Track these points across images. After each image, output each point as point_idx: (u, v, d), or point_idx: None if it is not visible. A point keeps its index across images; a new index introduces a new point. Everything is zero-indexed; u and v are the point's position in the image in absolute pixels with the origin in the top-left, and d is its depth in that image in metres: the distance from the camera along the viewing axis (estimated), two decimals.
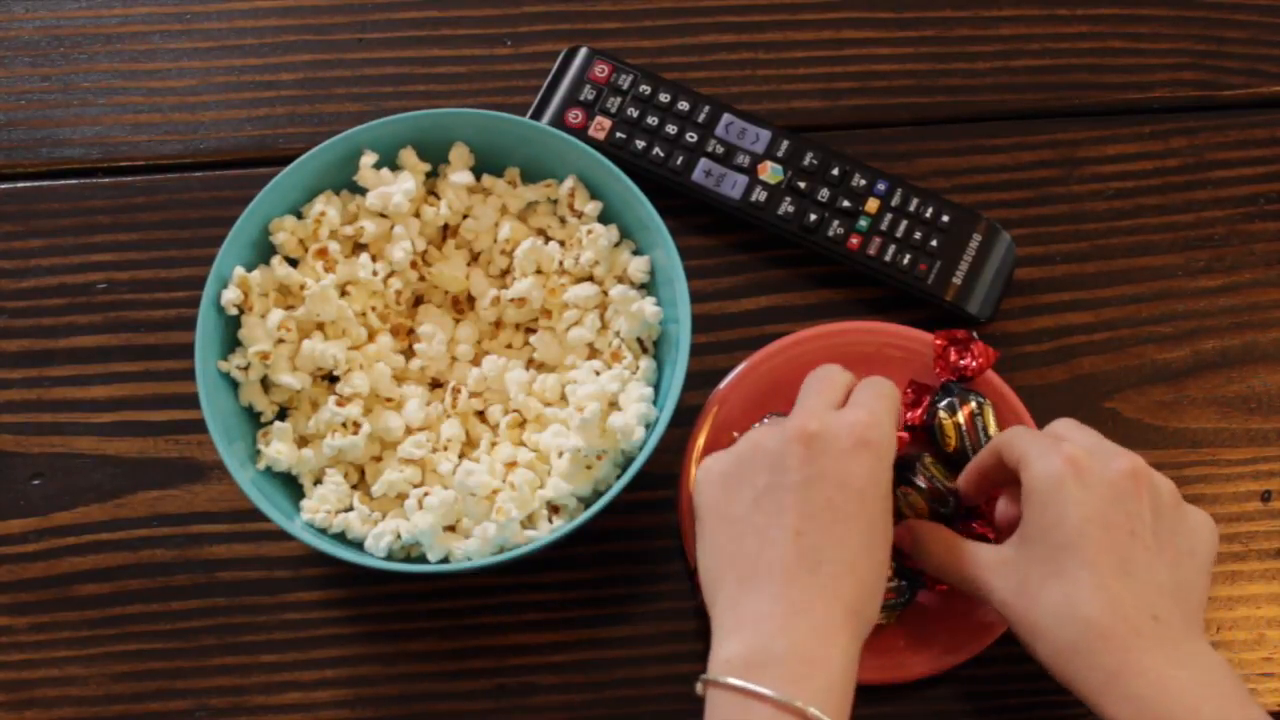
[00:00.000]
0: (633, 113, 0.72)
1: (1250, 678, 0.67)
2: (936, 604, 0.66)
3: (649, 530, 0.68)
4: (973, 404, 0.65)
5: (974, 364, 0.66)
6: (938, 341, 0.67)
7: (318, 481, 0.65)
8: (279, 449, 0.64)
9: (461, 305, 0.69)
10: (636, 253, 0.67)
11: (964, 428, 0.65)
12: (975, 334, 0.67)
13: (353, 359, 0.66)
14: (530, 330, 0.69)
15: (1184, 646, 0.56)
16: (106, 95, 0.75)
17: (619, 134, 0.72)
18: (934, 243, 0.71)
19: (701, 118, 0.72)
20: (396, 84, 0.75)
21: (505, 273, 0.68)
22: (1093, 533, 0.56)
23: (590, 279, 0.68)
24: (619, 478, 0.63)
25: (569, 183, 0.67)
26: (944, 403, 0.65)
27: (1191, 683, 0.54)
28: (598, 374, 0.65)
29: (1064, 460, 0.57)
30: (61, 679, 0.67)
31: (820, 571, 0.55)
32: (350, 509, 0.64)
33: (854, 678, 0.56)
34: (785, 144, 0.72)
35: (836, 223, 0.71)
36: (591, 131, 0.72)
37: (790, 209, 0.71)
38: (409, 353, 0.68)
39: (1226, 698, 0.55)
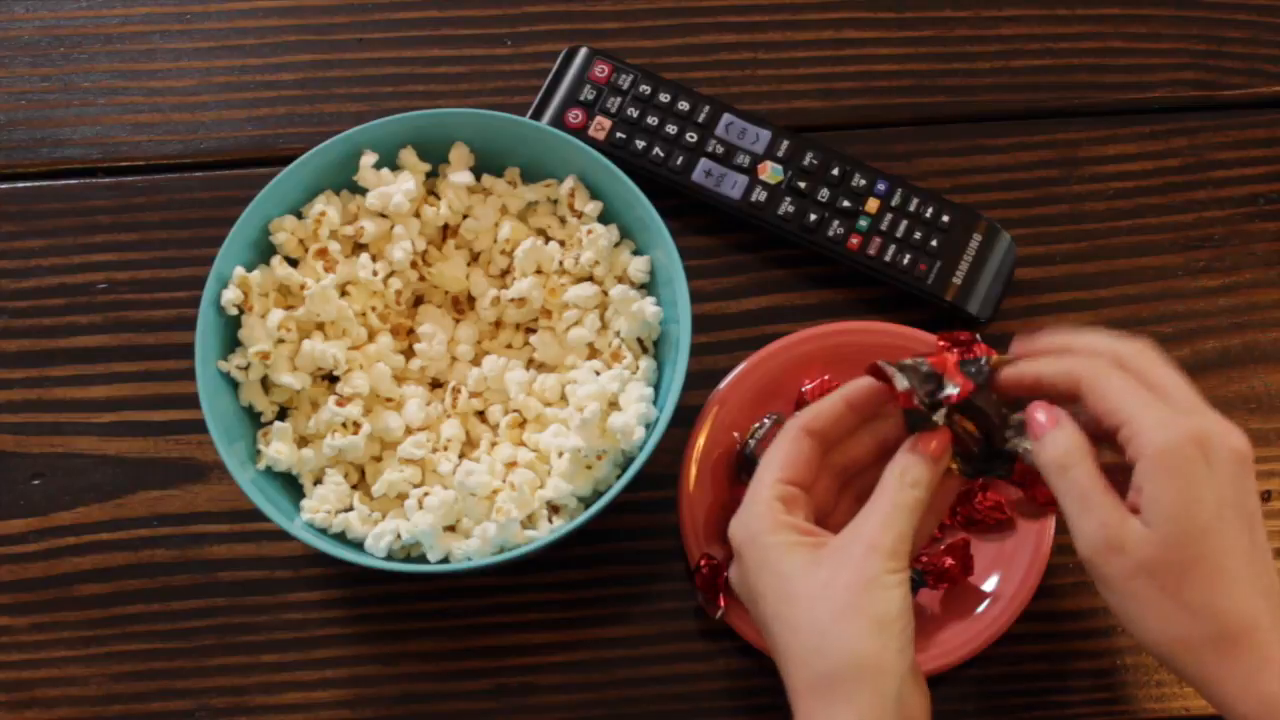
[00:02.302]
0: (633, 113, 0.72)
1: None
2: (936, 604, 0.66)
3: (649, 530, 0.68)
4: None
5: None
6: (940, 343, 0.67)
7: (318, 481, 0.65)
8: (279, 449, 0.64)
9: (461, 305, 0.69)
10: (636, 253, 0.67)
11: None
12: (977, 335, 0.67)
13: (353, 359, 0.66)
14: (530, 330, 0.69)
15: None
16: (106, 95, 0.75)
17: (619, 134, 0.72)
18: (934, 243, 0.71)
19: (701, 118, 0.72)
20: (396, 84, 0.75)
21: (505, 273, 0.68)
22: (1229, 518, 0.52)
23: (590, 279, 0.68)
24: (619, 478, 0.63)
25: (569, 183, 0.67)
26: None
27: None
28: (598, 374, 0.65)
29: (1189, 437, 0.52)
30: (61, 679, 0.67)
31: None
32: (350, 509, 0.64)
33: None
34: (785, 144, 0.72)
35: (836, 223, 0.71)
36: (591, 131, 0.72)
37: (790, 209, 0.71)
38: (409, 353, 0.68)
39: None
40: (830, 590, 0.54)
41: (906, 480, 0.56)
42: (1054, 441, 0.55)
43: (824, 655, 0.54)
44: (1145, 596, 0.53)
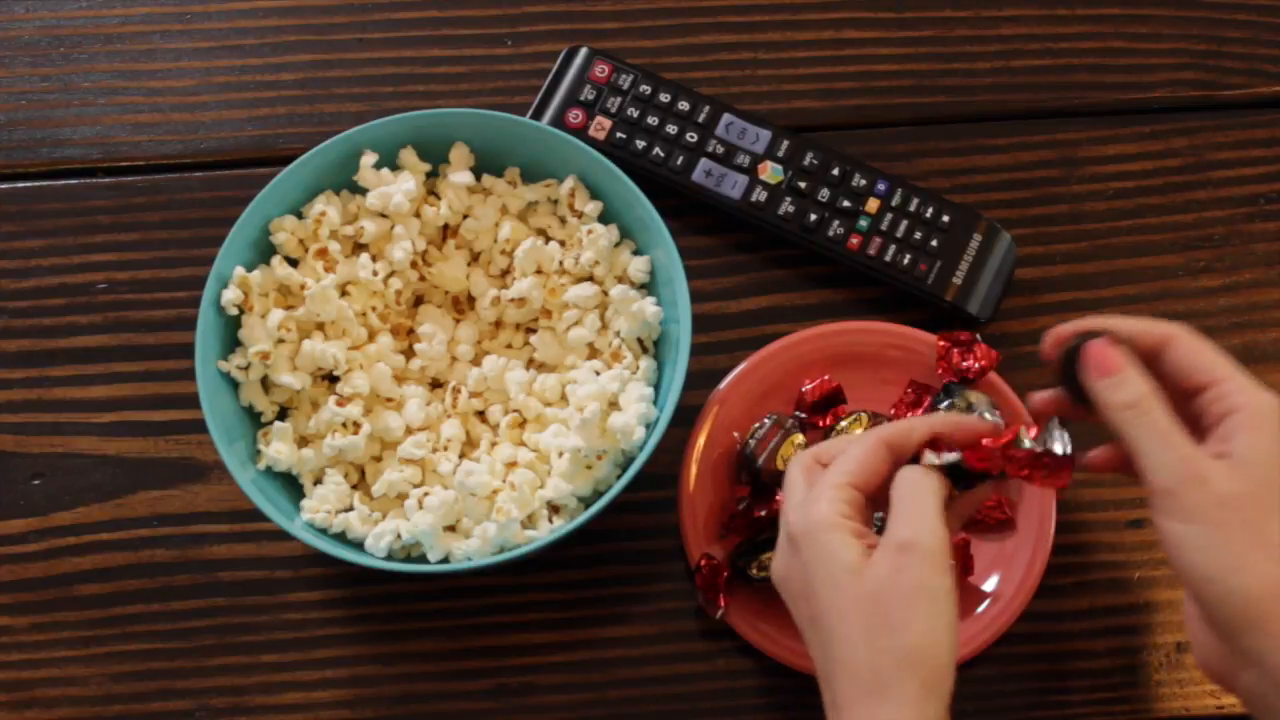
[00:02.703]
0: (633, 113, 0.72)
1: None
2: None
3: (649, 530, 0.68)
4: (967, 402, 0.65)
5: (976, 365, 0.66)
6: (940, 343, 0.67)
7: (318, 481, 0.65)
8: (279, 449, 0.64)
9: (461, 305, 0.69)
10: (636, 253, 0.67)
11: None
12: (978, 335, 0.67)
13: (353, 359, 0.66)
14: (530, 330, 0.69)
15: None
16: (106, 95, 0.75)
17: (619, 134, 0.72)
18: (934, 243, 0.71)
19: (701, 118, 0.72)
20: (396, 84, 0.75)
21: (505, 273, 0.68)
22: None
23: (590, 279, 0.68)
24: (619, 478, 0.63)
25: (569, 183, 0.67)
26: (945, 404, 0.65)
27: None
28: (598, 374, 0.65)
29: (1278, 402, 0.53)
30: (61, 679, 0.67)
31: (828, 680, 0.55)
32: (350, 509, 0.64)
33: None
34: (785, 144, 0.72)
35: (836, 223, 0.71)
36: (591, 131, 0.72)
37: (790, 209, 0.71)
38: (409, 353, 0.68)
39: None
40: (880, 600, 0.53)
41: (919, 480, 0.56)
42: (1128, 384, 0.55)
43: (876, 667, 0.53)
44: (1230, 527, 0.51)
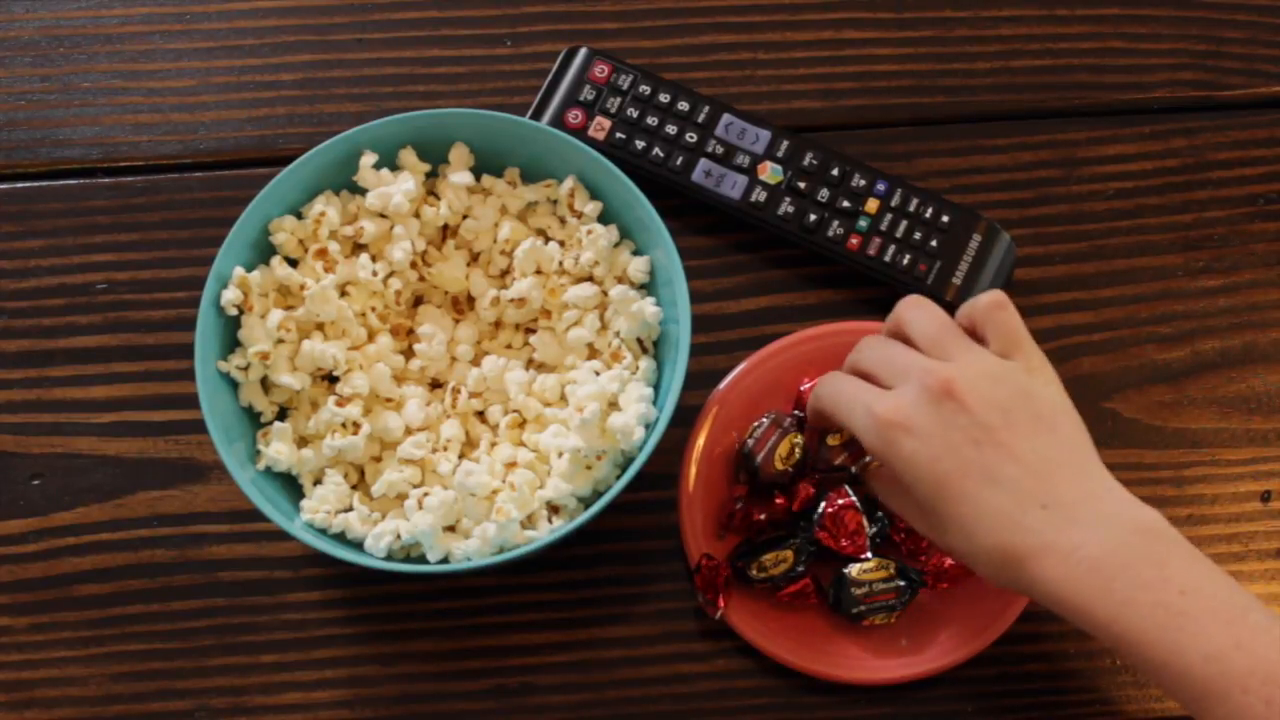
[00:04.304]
0: (633, 113, 0.72)
1: None
2: (936, 604, 0.66)
3: (649, 530, 0.68)
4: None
5: None
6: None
7: (318, 482, 0.65)
8: (279, 449, 0.64)
9: (461, 305, 0.69)
10: (636, 253, 0.67)
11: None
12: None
13: (353, 359, 0.66)
14: (530, 330, 0.69)
15: (1081, 512, 0.56)
16: (106, 95, 0.75)
17: (619, 134, 0.72)
18: (934, 243, 0.71)
19: (701, 118, 0.72)
20: (396, 84, 0.75)
21: (505, 273, 0.68)
22: (944, 470, 0.57)
23: (590, 279, 0.68)
24: (619, 478, 0.63)
25: (569, 183, 0.67)
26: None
27: (1102, 552, 0.55)
28: (597, 374, 0.65)
29: (879, 421, 0.58)
30: (61, 679, 0.67)
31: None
32: (350, 509, 0.64)
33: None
34: (785, 144, 0.72)
35: (836, 223, 0.71)
36: (591, 132, 0.72)
37: (790, 209, 0.71)
38: (409, 353, 0.68)
39: (1126, 549, 0.55)
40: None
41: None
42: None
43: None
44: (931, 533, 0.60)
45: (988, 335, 0.61)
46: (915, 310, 0.62)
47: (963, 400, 0.57)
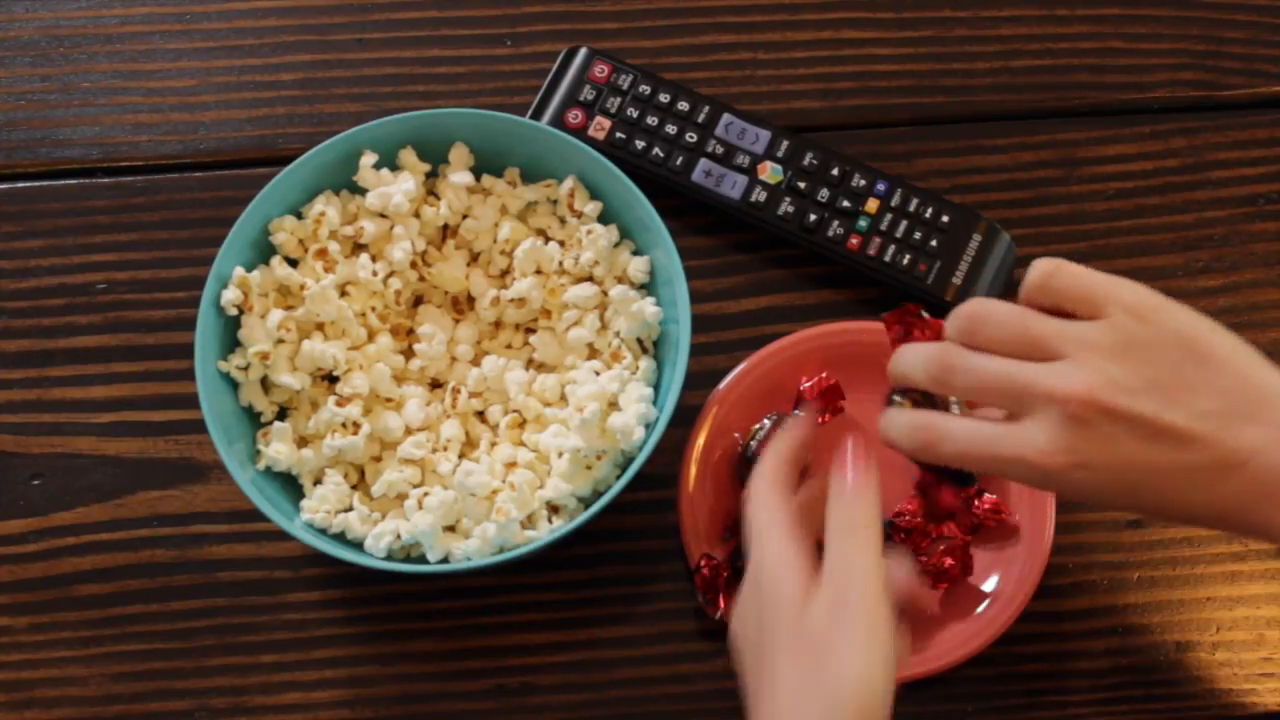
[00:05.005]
0: (632, 113, 0.72)
1: (1250, 678, 0.67)
2: (936, 604, 0.66)
3: (649, 530, 0.68)
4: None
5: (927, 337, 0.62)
6: (895, 327, 0.61)
7: (318, 481, 0.65)
8: (279, 449, 0.64)
9: (461, 305, 0.69)
10: (636, 253, 0.68)
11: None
12: (923, 310, 0.61)
13: (353, 359, 0.66)
14: (530, 330, 0.69)
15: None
16: (106, 95, 0.75)
17: (619, 134, 0.72)
18: (934, 243, 0.71)
19: (701, 118, 0.72)
20: (396, 84, 0.75)
21: (505, 273, 0.68)
22: (1132, 481, 0.52)
23: (590, 279, 0.68)
24: (619, 478, 0.63)
25: (569, 183, 0.67)
26: (895, 398, 0.60)
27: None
28: (597, 374, 0.65)
29: (1043, 470, 0.52)
30: (61, 679, 0.67)
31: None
32: (350, 509, 0.64)
33: None
34: (785, 144, 0.72)
35: (836, 223, 0.71)
36: (591, 131, 0.72)
37: (790, 209, 0.71)
38: (409, 353, 0.68)
39: None
40: (815, 645, 0.53)
41: (846, 530, 0.54)
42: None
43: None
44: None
45: (1067, 310, 0.54)
46: (984, 313, 0.54)
47: (1111, 406, 0.51)
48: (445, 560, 0.63)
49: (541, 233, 0.69)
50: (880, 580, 0.53)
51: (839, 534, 0.54)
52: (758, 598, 0.55)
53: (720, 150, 0.72)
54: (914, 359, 0.56)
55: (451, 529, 0.64)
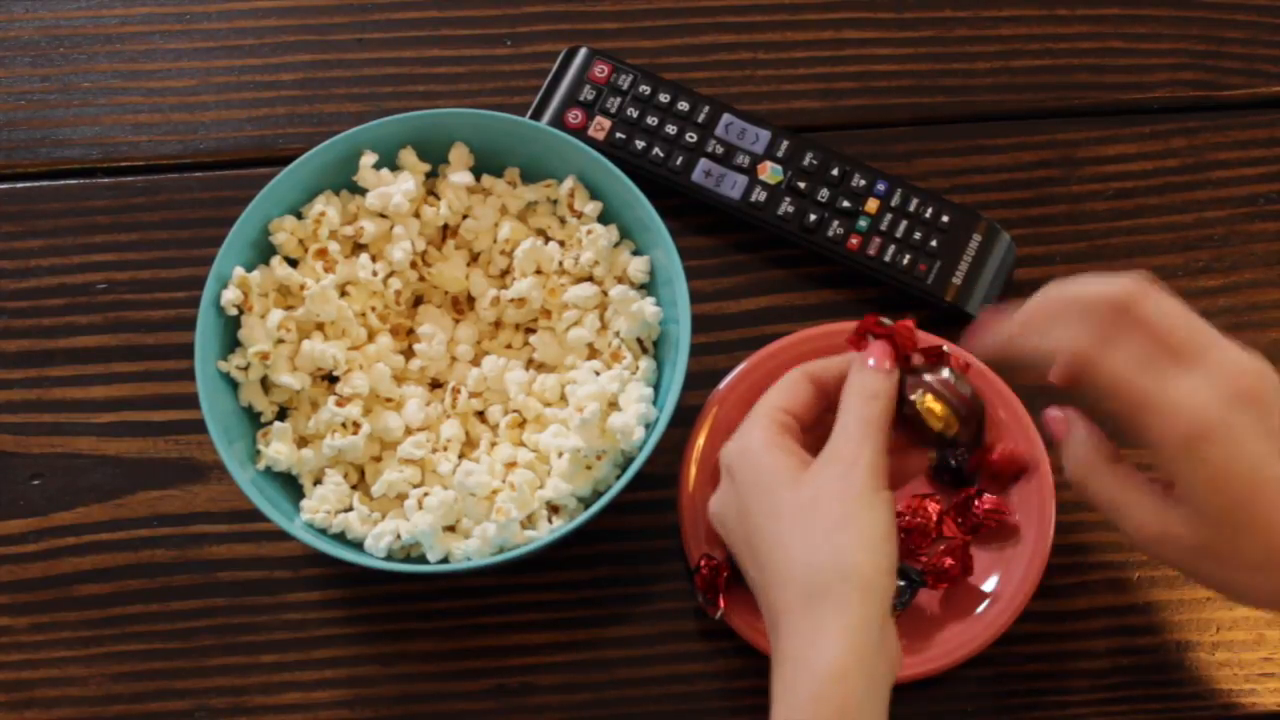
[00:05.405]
0: (632, 113, 0.72)
1: (1250, 678, 0.67)
2: (936, 604, 0.66)
3: (649, 530, 0.68)
4: (930, 378, 0.58)
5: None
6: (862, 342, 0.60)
7: (318, 481, 0.65)
8: (279, 449, 0.64)
9: (461, 305, 0.69)
10: (636, 253, 0.68)
11: (945, 396, 0.58)
12: (881, 318, 0.60)
13: (353, 359, 0.66)
14: (530, 330, 0.69)
15: None
16: (106, 95, 0.75)
17: (619, 134, 0.72)
18: (934, 243, 0.71)
19: (701, 118, 0.72)
20: (396, 84, 0.75)
21: (505, 273, 0.68)
22: (1266, 466, 0.52)
23: (590, 279, 0.68)
24: (619, 478, 0.63)
25: (569, 183, 0.67)
26: (913, 395, 0.58)
27: None
28: (597, 374, 0.65)
29: (1205, 411, 0.51)
30: (61, 679, 0.67)
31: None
32: (350, 509, 0.64)
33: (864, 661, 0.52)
34: (785, 144, 0.72)
35: (836, 223, 0.71)
36: (591, 131, 0.72)
37: (790, 209, 0.71)
38: (409, 353, 0.68)
39: None
40: (819, 505, 0.54)
41: (866, 394, 0.56)
42: (1068, 455, 0.57)
43: (813, 568, 0.53)
44: (1209, 570, 0.54)
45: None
46: (1157, 297, 0.55)
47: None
48: (445, 560, 0.63)
49: (541, 233, 0.69)
50: (884, 449, 0.55)
51: (858, 398, 0.56)
52: (739, 477, 0.57)
53: (720, 150, 0.72)
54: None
55: (451, 529, 0.64)
